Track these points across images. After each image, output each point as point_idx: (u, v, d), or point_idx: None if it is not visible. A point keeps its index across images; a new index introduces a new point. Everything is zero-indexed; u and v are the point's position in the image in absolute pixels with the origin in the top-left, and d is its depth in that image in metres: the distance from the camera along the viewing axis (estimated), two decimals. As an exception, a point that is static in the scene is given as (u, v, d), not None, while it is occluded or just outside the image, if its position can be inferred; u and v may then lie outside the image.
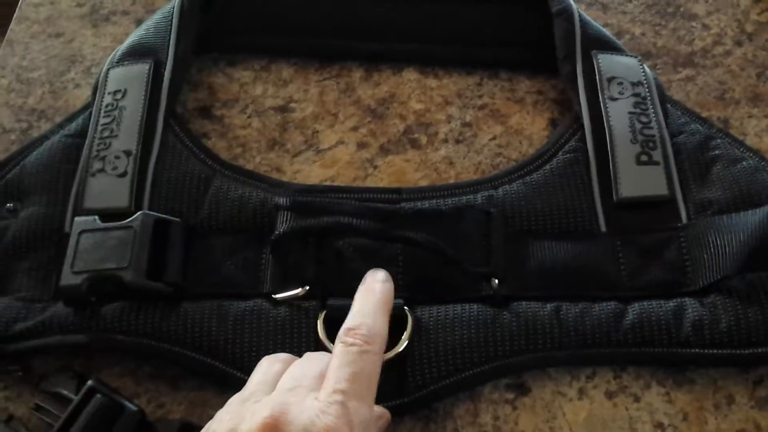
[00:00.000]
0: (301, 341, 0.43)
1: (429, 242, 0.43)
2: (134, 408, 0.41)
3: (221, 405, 0.37)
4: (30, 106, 0.56)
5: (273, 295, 0.45)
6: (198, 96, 0.56)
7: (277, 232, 0.43)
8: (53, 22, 0.60)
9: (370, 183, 0.52)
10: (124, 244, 0.45)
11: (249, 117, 0.55)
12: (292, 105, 0.56)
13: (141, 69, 0.52)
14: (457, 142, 0.53)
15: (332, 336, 0.41)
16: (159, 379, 0.45)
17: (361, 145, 0.53)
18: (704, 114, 0.53)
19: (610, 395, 0.43)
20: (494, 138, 0.53)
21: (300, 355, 0.40)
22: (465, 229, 0.45)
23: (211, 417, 0.37)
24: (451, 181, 0.51)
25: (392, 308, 0.41)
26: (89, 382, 0.42)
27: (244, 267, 0.46)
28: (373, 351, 0.38)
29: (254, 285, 0.45)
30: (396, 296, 0.44)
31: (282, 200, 0.46)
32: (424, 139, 0.54)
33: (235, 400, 0.36)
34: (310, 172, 0.52)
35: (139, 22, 0.59)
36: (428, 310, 0.44)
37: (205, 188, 0.48)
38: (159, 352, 0.44)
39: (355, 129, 0.54)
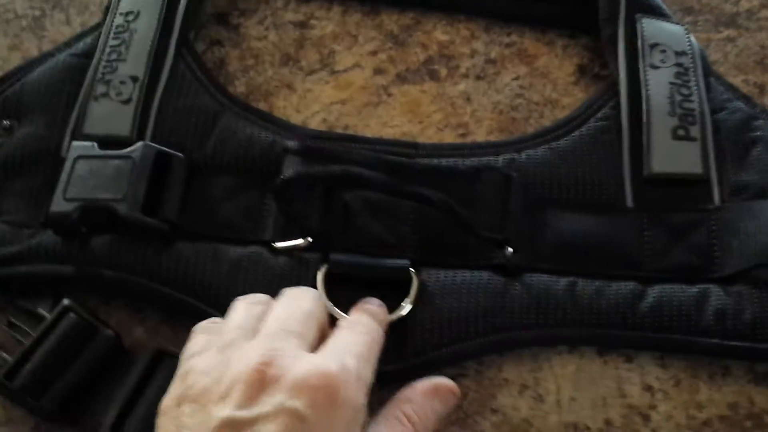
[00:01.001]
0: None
1: (442, 201, 0.40)
2: (110, 333, 0.39)
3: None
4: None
5: (273, 244, 0.42)
6: (216, 2, 0.53)
7: (281, 177, 0.40)
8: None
9: (381, 111, 0.49)
10: (121, 175, 0.42)
11: (266, 29, 0.52)
12: (312, 21, 0.53)
13: (155, -9, 0.49)
14: (478, 78, 0.50)
15: (333, 292, 0.39)
16: (143, 319, 0.42)
17: (378, 71, 0.51)
18: (740, 78, 0.49)
19: (601, 352, 0.41)
20: (517, 78, 0.50)
21: None
22: (481, 192, 0.42)
23: None
24: (465, 118, 0.48)
25: None
26: (64, 301, 0.40)
27: (245, 211, 0.43)
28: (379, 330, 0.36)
29: (254, 231, 0.43)
30: (402, 256, 0.41)
31: (291, 143, 0.43)
32: (443, 72, 0.50)
33: (212, 349, 0.34)
34: (321, 93, 0.50)
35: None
36: (435, 273, 0.41)
37: (212, 124, 0.46)
38: (147, 291, 0.41)
39: (373, 53, 0.51)
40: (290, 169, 0.42)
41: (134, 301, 0.43)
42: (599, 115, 0.46)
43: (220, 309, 0.40)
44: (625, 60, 0.47)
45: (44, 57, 0.49)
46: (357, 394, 0.32)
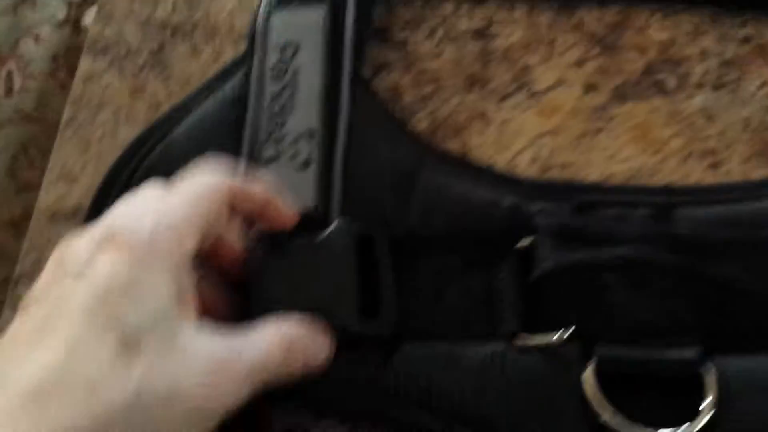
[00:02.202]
0: (563, 400, 0.33)
1: (749, 282, 0.31)
2: None
3: None
4: (160, 20, 0.44)
5: (516, 341, 0.34)
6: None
7: (539, 271, 0.32)
8: None
9: (603, 141, 0.39)
10: (321, 270, 0.34)
11: (439, 43, 0.43)
12: (494, 29, 0.43)
13: (315, 17, 0.39)
14: (716, 87, 0.40)
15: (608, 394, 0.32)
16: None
17: (589, 87, 0.41)
18: None
19: None
20: (765, 84, 0.40)
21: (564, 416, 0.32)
22: None
23: None
24: (711, 143, 0.39)
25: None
26: None
27: (469, 297, 0.35)
28: None
29: (487, 323, 0.35)
30: (686, 344, 0.33)
31: (542, 221, 0.34)
32: (672, 82, 0.41)
33: None
34: (524, 123, 0.40)
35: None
36: (734, 363, 0.33)
37: (410, 185, 0.37)
38: (368, 409, 0.34)
39: (578, 64, 0.42)
40: (547, 258, 0.33)
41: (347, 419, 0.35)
42: None
43: (469, 427, 0.32)
44: None
45: (185, 105, 0.41)
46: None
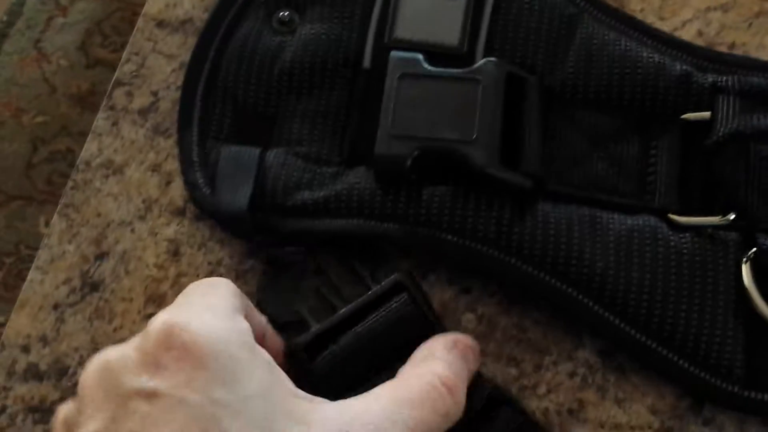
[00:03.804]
0: (717, 285, 0.29)
1: None
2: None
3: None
4: None
5: (672, 215, 0.30)
6: None
7: (715, 136, 0.28)
8: None
9: None
10: (467, 106, 0.31)
11: None
12: None
13: None
14: None
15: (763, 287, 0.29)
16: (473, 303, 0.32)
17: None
18: None
19: None
20: None
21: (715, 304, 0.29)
22: None
23: None
24: None
25: None
26: (396, 275, 0.29)
27: (623, 164, 0.31)
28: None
29: (638, 193, 0.31)
30: None
31: (723, 80, 0.30)
32: None
33: None
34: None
35: None
36: None
37: (568, 33, 0.33)
38: (500, 266, 0.30)
39: None
40: (731, 122, 0.29)
41: (471, 276, 0.32)
42: None
43: (603, 299, 0.29)
44: None
45: None
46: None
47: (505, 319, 0.31)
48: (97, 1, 0.42)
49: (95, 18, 0.41)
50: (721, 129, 0.29)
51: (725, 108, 0.30)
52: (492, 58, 0.31)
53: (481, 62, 0.31)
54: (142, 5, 0.38)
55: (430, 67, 0.32)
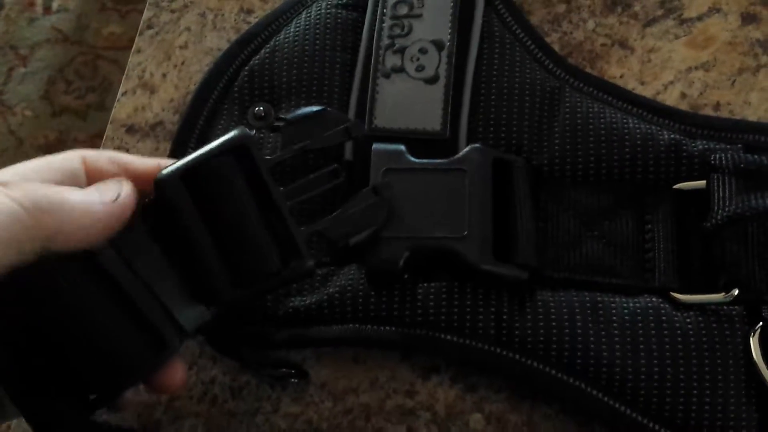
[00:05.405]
0: (726, 364, 0.29)
1: None
2: None
3: None
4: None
5: (674, 294, 0.30)
6: None
7: (714, 219, 0.28)
8: None
9: (762, 78, 0.35)
10: (453, 198, 0.30)
11: None
12: None
13: None
14: None
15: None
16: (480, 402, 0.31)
17: (748, 18, 0.36)
18: None
19: None
20: None
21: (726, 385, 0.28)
22: None
23: None
24: None
25: None
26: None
27: (616, 243, 0.31)
28: None
29: (637, 272, 0.30)
30: None
31: (716, 157, 0.30)
32: None
33: None
34: (671, 54, 0.36)
35: None
36: None
37: (551, 109, 0.32)
38: (504, 363, 0.29)
39: None
40: (730, 202, 0.28)
41: (475, 371, 0.31)
42: None
43: (613, 390, 0.28)
44: None
45: (294, 6, 0.36)
46: None
47: (514, 416, 0.30)
48: (58, 47, 0.40)
49: (57, 65, 0.40)
50: (720, 212, 0.29)
51: (721, 189, 0.29)
52: (477, 145, 0.31)
53: (465, 150, 0.31)
54: (105, 48, 0.37)
55: (414, 159, 0.31)
